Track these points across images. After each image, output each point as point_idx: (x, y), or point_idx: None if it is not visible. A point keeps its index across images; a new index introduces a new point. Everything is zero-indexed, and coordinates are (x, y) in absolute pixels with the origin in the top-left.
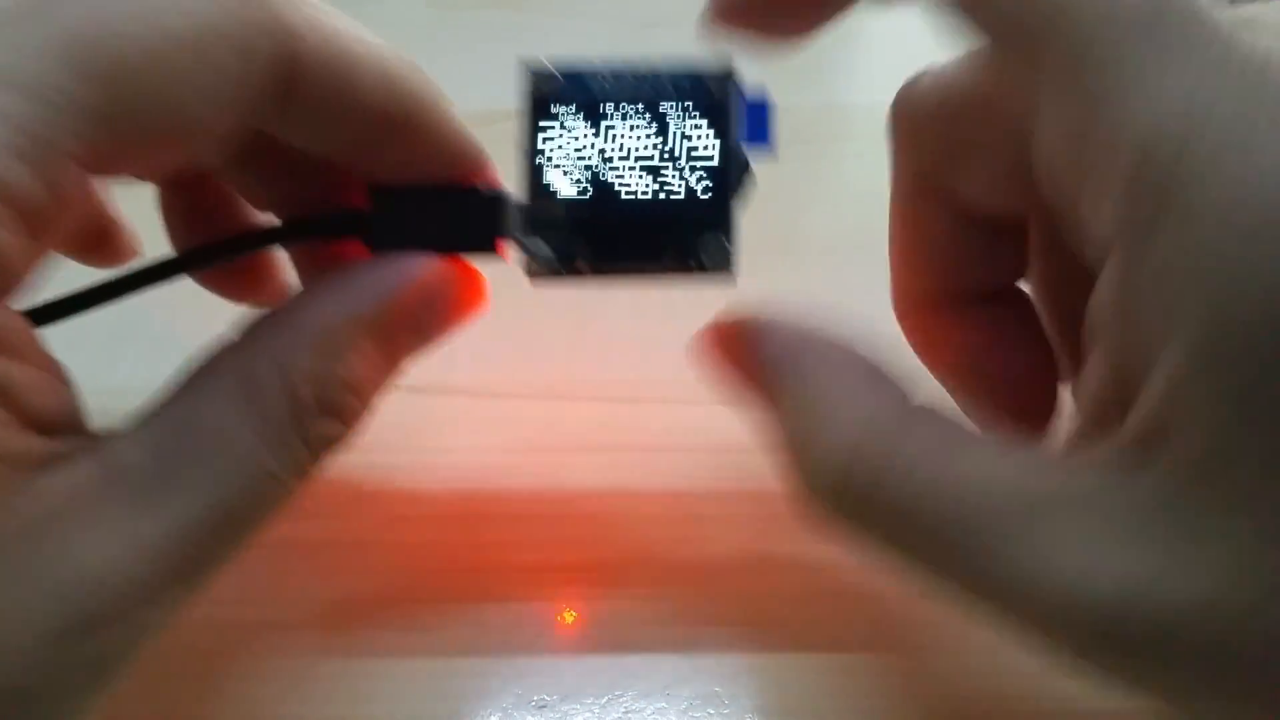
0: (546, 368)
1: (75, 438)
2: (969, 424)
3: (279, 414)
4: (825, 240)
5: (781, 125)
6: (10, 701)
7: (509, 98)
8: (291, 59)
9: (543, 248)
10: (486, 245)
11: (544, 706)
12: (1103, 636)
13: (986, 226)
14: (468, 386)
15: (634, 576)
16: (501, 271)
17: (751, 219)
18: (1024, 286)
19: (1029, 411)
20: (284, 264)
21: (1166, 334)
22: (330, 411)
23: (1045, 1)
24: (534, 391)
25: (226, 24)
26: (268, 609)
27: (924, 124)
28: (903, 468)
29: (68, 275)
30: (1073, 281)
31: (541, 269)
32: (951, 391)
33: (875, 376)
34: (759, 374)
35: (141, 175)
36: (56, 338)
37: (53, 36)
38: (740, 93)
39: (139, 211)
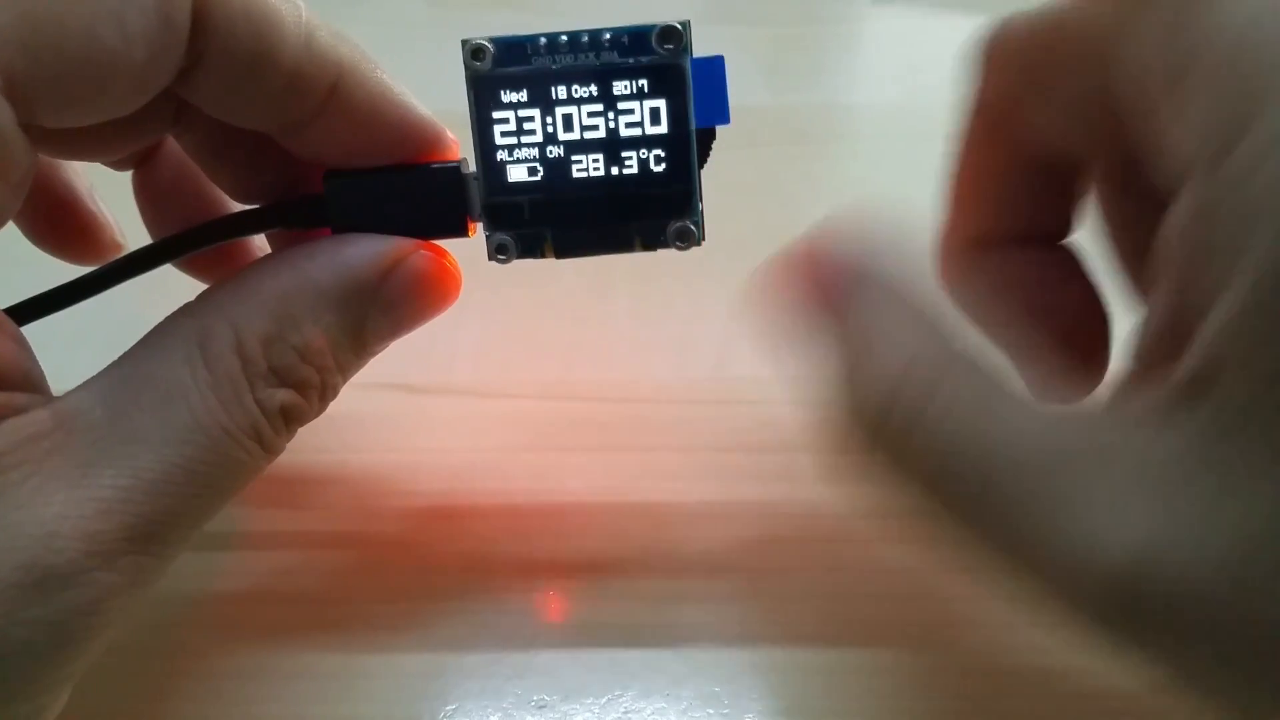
0: (546, 368)
1: (30, 396)
2: (1012, 377)
3: (230, 371)
4: None
5: (781, 125)
6: None
7: None
8: (203, 14)
9: (508, 240)
10: (456, 226)
11: (544, 706)
12: (1115, 603)
13: (1049, 169)
14: (468, 386)
15: (633, 576)
16: (502, 272)
17: (751, 218)
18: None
19: (1075, 365)
20: (261, 249)
21: (1232, 265)
22: (285, 378)
23: None
24: (534, 391)
25: None
26: (266, 608)
27: (1011, 53)
28: (939, 410)
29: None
30: (1145, 225)
31: (509, 257)
32: (991, 339)
33: (925, 315)
34: (820, 299)
35: (86, 151)
36: (50, 339)
37: None
38: (690, 56)
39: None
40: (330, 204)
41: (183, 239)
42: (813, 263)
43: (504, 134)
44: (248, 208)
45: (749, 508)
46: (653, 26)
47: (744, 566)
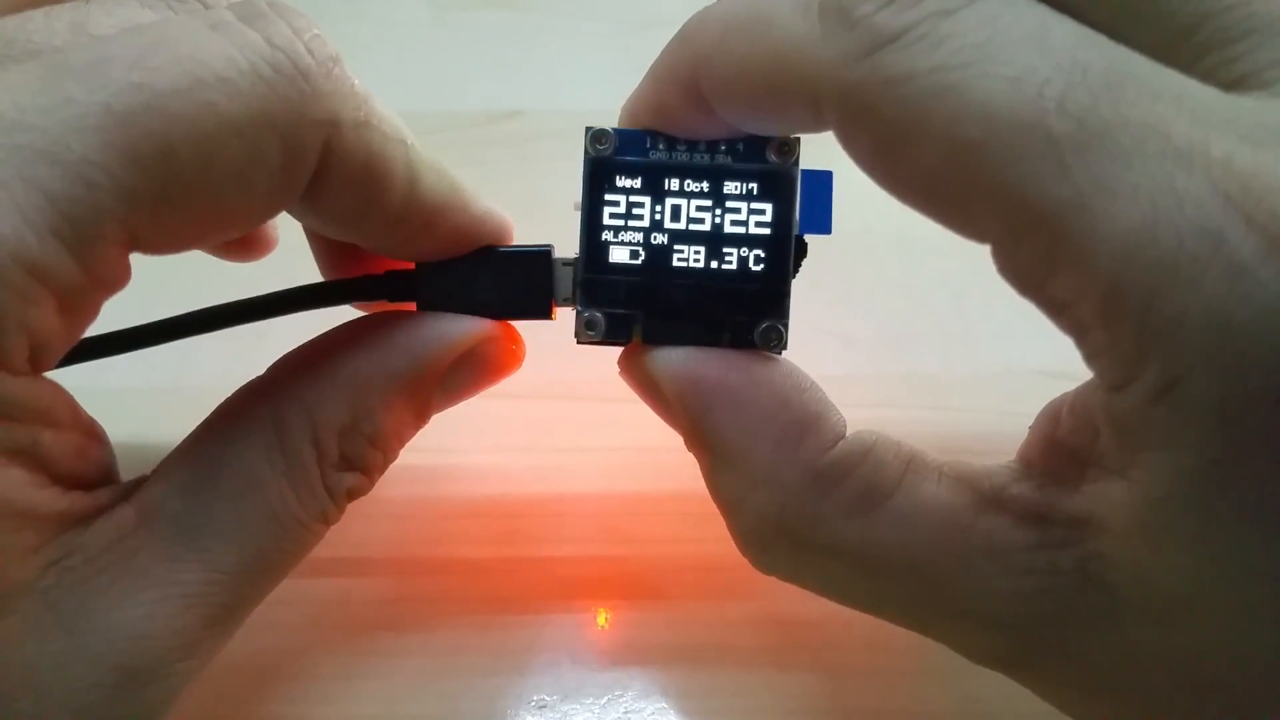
0: (546, 368)
1: (110, 490)
2: (891, 458)
3: (306, 463)
4: (822, 240)
5: None
6: None
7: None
8: (328, 154)
9: (599, 320)
10: (541, 308)
11: (544, 706)
12: (1012, 674)
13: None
14: None
15: (633, 576)
16: None
17: None
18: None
19: None
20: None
21: (1140, 459)
22: (355, 464)
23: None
24: (534, 391)
25: (276, 111)
26: (267, 609)
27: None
28: (823, 540)
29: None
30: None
31: (596, 339)
32: None
33: (792, 428)
34: (671, 415)
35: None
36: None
37: (101, 109)
38: (800, 171)
39: None
40: (420, 283)
41: (273, 301)
42: (649, 380)
43: (613, 215)
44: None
45: None
46: (771, 138)
47: (744, 565)
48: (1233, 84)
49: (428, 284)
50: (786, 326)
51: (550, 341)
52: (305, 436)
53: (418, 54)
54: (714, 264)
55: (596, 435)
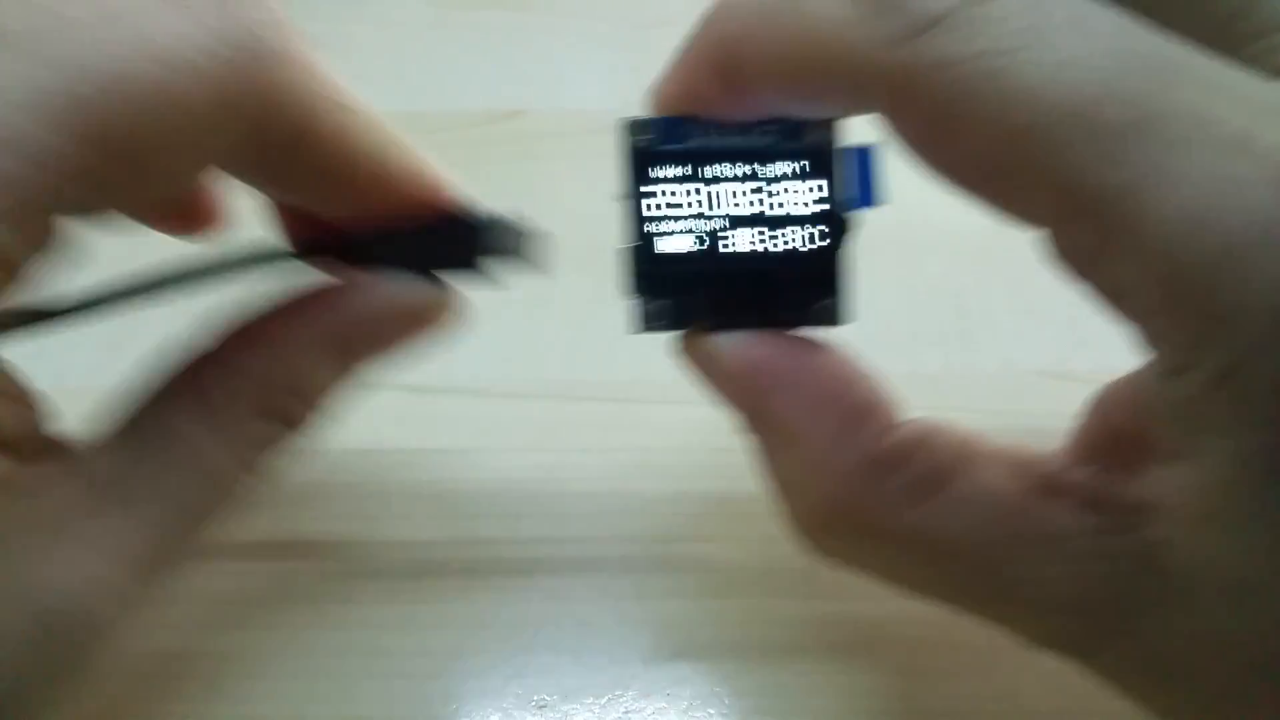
0: (546, 368)
1: (47, 455)
2: (948, 444)
3: (226, 413)
4: None
5: None
6: None
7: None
8: (263, 118)
9: (658, 310)
10: (468, 265)
11: (544, 706)
12: (1069, 658)
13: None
14: (468, 386)
15: (634, 576)
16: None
17: None
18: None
19: None
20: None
21: (1203, 444)
22: (278, 415)
23: (1015, 134)
24: (534, 391)
25: (213, 78)
26: (266, 609)
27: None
28: (879, 526)
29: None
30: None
31: (661, 327)
32: None
33: (852, 413)
34: (735, 396)
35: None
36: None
37: (43, 87)
38: (843, 144)
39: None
40: (358, 247)
41: (224, 264)
42: (713, 362)
43: (659, 205)
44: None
45: (749, 507)
46: (810, 124)
47: (744, 566)
48: (1275, 72)
49: (366, 248)
50: (841, 303)
51: (551, 341)
52: (224, 388)
53: (418, 54)
54: (765, 246)
55: (597, 435)
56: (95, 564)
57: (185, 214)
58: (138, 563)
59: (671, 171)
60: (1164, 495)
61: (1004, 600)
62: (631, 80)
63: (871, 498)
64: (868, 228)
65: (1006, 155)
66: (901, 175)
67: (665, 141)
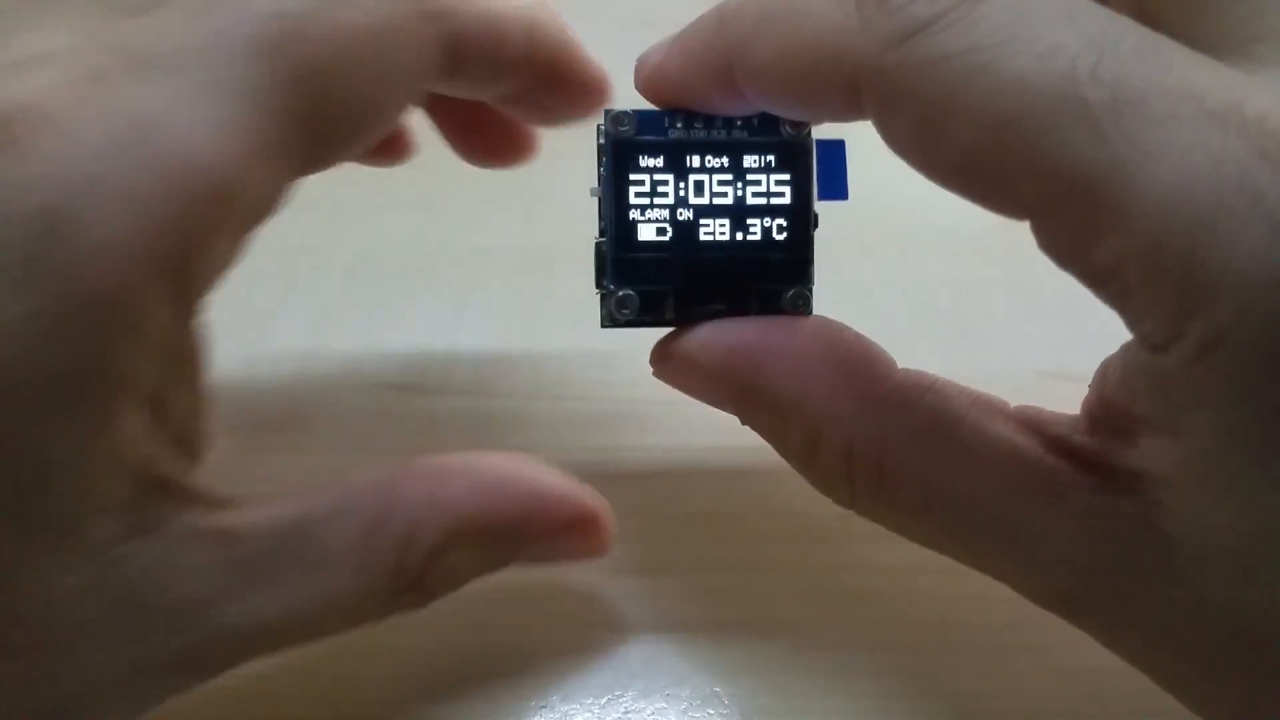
0: (546, 368)
1: (206, 482)
2: (956, 392)
3: (387, 570)
4: (822, 240)
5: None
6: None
7: None
8: (452, 38)
9: (632, 298)
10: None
11: (544, 707)
12: (1066, 613)
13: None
14: (468, 386)
15: (634, 576)
16: (502, 271)
17: None
18: None
19: None
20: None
21: (1188, 418)
22: (425, 589)
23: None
24: (534, 391)
25: (399, 14)
26: None
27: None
28: (893, 469)
29: None
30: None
31: (626, 320)
32: None
33: (845, 363)
34: (717, 388)
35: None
36: None
37: (252, 39)
38: (814, 139)
39: None
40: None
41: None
42: (681, 363)
43: (638, 194)
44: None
45: (749, 507)
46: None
47: (744, 566)
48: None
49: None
50: (812, 291)
51: (551, 341)
52: (394, 544)
53: None
54: (739, 235)
55: (597, 435)
56: (201, 635)
57: (387, 143)
58: (247, 649)
59: (652, 162)
60: (1158, 466)
61: (1012, 554)
62: (630, 80)
63: (882, 441)
64: (868, 228)
65: (995, 145)
66: (901, 176)
67: (645, 133)
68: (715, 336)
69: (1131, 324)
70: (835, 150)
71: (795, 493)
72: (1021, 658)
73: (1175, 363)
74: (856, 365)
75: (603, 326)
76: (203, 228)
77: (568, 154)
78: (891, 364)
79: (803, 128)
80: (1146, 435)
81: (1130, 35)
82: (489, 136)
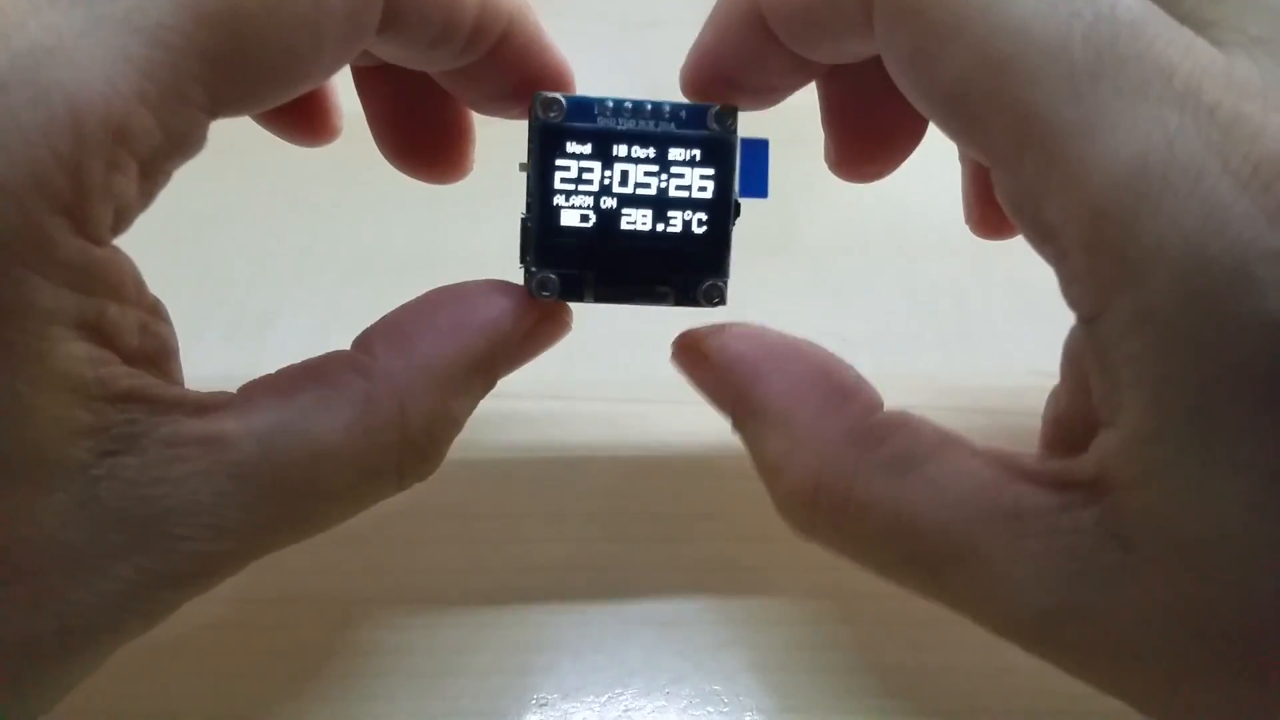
0: (546, 368)
1: (176, 389)
2: (928, 431)
3: (389, 448)
4: (822, 240)
5: (780, 125)
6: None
7: None
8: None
9: (552, 280)
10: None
11: (544, 705)
12: (1031, 645)
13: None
14: None
15: (634, 576)
16: (502, 271)
17: (748, 219)
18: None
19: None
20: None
21: (1115, 410)
22: (433, 450)
23: (984, 65)
24: (534, 391)
25: None
26: (268, 608)
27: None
28: (860, 497)
29: None
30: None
31: (550, 299)
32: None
33: (835, 394)
34: (721, 389)
35: (250, 111)
36: None
37: None
38: (739, 137)
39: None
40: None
41: None
42: (701, 354)
43: (563, 180)
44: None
45: (749, 507)
46: (710, 106)
47: (745, 566)
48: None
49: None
50: (726, 284)
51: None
52: (393, 421)
53: None
54: (660, 226)
55: (596, 435)
56: (208, 539)
57: (307, 114)
58: (245, 550)
59: (579, 149)
60: (1109, 463)
61: (973, 579)
62: (630, 80)
63: (853, 468)
64: (868, 228)
65: (983, 80)
66: (901, 177)
67: (574, 119)
68: (731, 341)
69: (1065, 288)
70: (759, 149)
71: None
72: (1023, 656)
73: (1108, 335)
74: (847, 397)
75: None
76: (96, 164)
77: None
78: (878, 401)
79: (728, 123)
80: (1097, 434)
81: (1132, 1)
82: (421, 129)
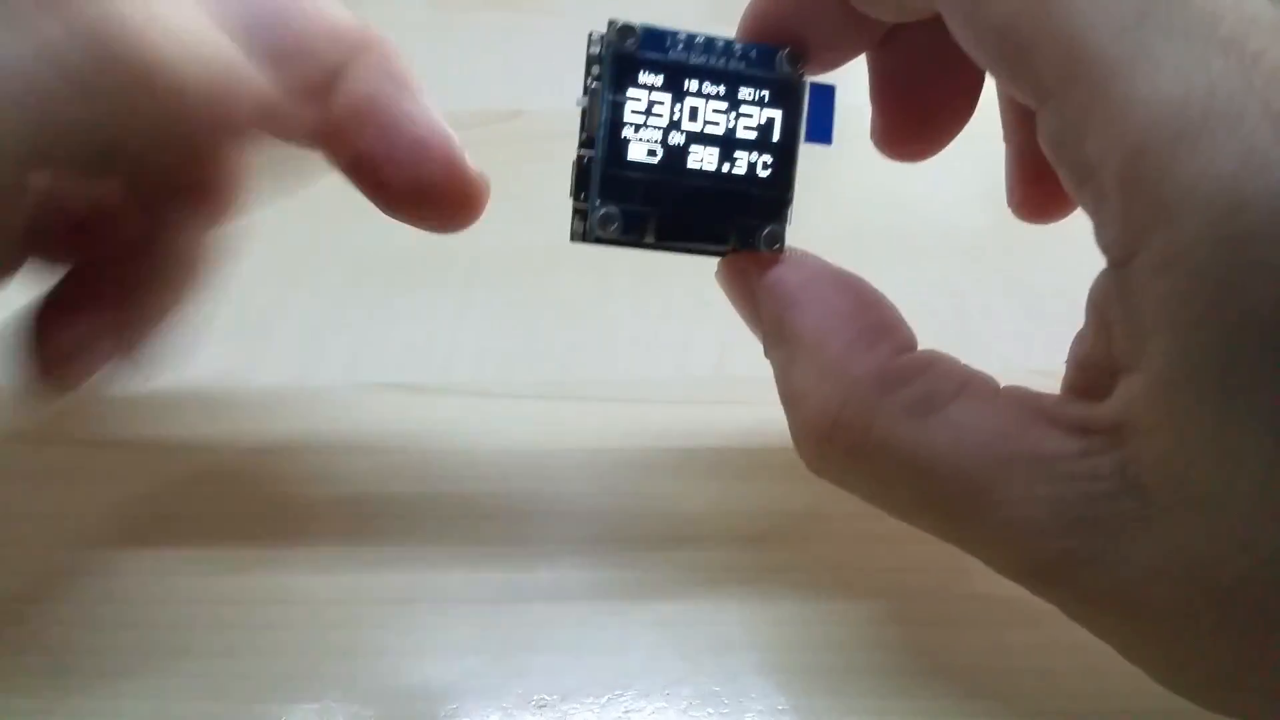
0: (546, 368)
1: None
2: (954, 372)
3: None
4: (823, 240)
5: None
6: None
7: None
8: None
9: (615, 215)
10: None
11: (544, 706)
12: (1038, 584)
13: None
14: (468, 386)
15: (634, 576)
16: (502, 271)
17: None
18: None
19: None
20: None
21: (1139, 354)
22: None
23: (1031, 12)
24: (534, 391)
25: (72, 75)
26: (268, 608)
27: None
28: (879, 436)
29: None
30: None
31: (606, 235)
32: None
33: (869, 330)
34: (757, 311)
35: None
36: None
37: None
38: (808, 82)
39: None
40: None
41: None
42: (748, 277)
43: (634, 112)
44: None
45: (749, 507)
46: (781, 47)
47: (745, 566)
48: None
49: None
50: (785, 230)
51: (550, 341)
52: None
53: (418, 54)
54: (725, 167)
55: (597, 435)
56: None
57: (201, 194)
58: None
59: (652, 80)
60: (1130, 409)
61: (984, 524)
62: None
63: (875, 407)
64: (868, 228)
65: (1033, 16)
66: (901, 176)
67: (649, 50)
68: (777, 267)
69: (1098, 231)
70: (826, 94)
71: (796, 493)
72: (1026, 657)
73: (1138, 278)
74: (880, 335)
75: (572, 240)
76: None
77: (568, 155)
78: (911, 342)
79: (797, 66)
80: (1120, 379)
81: None
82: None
